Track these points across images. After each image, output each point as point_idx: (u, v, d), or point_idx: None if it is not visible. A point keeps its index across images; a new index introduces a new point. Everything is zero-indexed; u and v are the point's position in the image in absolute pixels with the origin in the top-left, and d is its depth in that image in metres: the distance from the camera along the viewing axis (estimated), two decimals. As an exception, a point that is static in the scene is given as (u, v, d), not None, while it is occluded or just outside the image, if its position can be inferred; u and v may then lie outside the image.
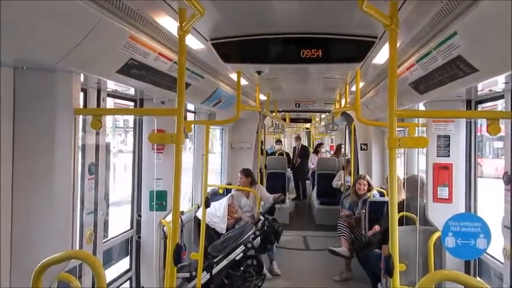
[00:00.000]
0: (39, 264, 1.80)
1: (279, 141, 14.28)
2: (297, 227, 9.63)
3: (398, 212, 3.45)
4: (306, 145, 16.90)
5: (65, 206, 2.69)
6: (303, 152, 13.23)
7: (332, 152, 14.75)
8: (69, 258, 2.10)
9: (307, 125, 17.41)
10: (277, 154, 13.00)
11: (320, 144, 13.78)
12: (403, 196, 5.38)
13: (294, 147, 14.24)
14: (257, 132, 8.63)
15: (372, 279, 5.24)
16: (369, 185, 6.57)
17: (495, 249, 3.22)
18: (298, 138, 14.74)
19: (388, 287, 4.25)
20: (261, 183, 9.11)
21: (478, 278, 3.77)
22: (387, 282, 4.45)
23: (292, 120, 14.50)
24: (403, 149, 6.23)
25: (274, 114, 8.08)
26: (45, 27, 2.11)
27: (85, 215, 3.23)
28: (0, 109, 2.50)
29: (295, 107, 8.24)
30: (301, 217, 11.10)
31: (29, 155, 2.61)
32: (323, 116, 11.74)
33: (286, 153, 13.42)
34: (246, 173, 6.68)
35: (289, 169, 13.54)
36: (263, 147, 13.39)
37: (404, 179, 5.77)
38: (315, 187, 10.90)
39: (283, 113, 11.33)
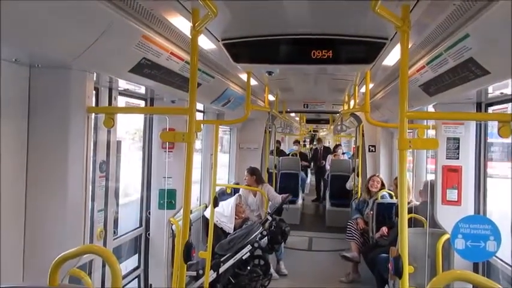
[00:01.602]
0: (56, 258, 1.83)
1: (297, 142, 14.28)
2: (307, 228, 9.66)
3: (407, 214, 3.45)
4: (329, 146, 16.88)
5: (78, 203, 2.73)
6: (325, 154, 13.24)
7: (351, 153, 14.75)
8: (85, 252, 2.13)
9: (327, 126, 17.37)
10: (290, 155, 13.03)
11: (338, 146, 13.77)
12: (411, 198, 5.38)
13: (316, 149, 14.26)
14: (265, 132, 8.65)
15: (378, 281, 5.23)
16: (382, 183, 6.57)
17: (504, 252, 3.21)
18: (319, 140, 14.73)
19: (396, 289, 4.25)
20: (271, 183, 9.17)
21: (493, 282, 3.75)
22: (395, 284, 4.44)
23: (309, 122, 14.54)
24: (411, 152, 6.23)
25: (282, 114, 8.09)
26: (60, 27, 2.14)
27: (96, 212, 3.26)
28: (15, 106, 2.55)
29: (304, 107, 8.24)
30: (313, 218, 11.11)
31: (43, 152, 2.65)
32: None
33: (301, 153, 13.40)
34: (251, 171, 6.72)
35: (308, 170, 13.60)
36: (279, 147, 13.47)
37: (413, 181, 5.76)
38: (328, 188, 10.91)
39: (296, 113, 11.34)
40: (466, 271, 1.98)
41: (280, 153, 12.88)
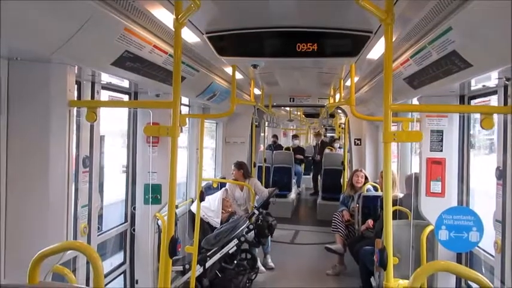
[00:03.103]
0: (36, 255, 1.80)
1: (295, 137, 14.24)
2: (298, 222, 9.75)
3: (392, 206, 3.47)
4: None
5: (60, 198, 2.68)
6: (322, 148, 13.25)
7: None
8: (66, 249, 2.10)
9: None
10: (283, 149, 13.03)
11: (335, 140, 13.75)
12: (397, 191, 5.43)
13: (316, 143, 14.29)
14: (252, 127, 8.64)
15: (363, 273, 5.27)
16: (366, 178, 6.63)
17: (487, 242, 3.26)
18: (317, 134, 14.72)
19: (381, 281, 4.30)
20: (261, 177, 9.31)
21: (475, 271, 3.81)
22: (380, 276, 4.49)
23: (307, 116, 14.60)
24: (396, 145, 6.29)
25: (268, 108, 8.10)
26: (40, 18, 2.09)
27: (79, 208, 3.22)
28: None
29: (290, 101, 8.25)
30: (305, 212, 11.15)
31: (23, 146, 2.60)
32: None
33: (296, 147, 13.37)
34: (239, 165, 6.72)
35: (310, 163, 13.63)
36: (276, 142, 13.50)
37: (398, 174, 5.82)
38: (321, 182, 10.99)
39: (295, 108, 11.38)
40: (448, 261, 2.00)
41: (277, 147, 12.91)
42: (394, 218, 4.17)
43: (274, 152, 11.80)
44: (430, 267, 2.04)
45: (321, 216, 9.77)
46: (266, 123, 11.25)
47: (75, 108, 2.84)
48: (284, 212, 9.70)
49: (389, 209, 2.33)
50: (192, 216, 5.77)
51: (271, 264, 6.60)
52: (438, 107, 3.81)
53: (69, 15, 2.21)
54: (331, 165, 10.74)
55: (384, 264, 2.31)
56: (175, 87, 2.56)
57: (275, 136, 14.51)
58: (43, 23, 2.14)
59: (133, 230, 4.51)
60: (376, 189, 6.52)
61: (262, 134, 10.20)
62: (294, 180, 11.70)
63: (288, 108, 12.23)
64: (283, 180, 10.66)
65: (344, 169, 9.07)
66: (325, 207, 9.76)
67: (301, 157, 13.21)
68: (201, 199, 4.44)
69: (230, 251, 5.14)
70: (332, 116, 12.61)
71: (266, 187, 7.72)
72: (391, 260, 2.31)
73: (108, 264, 4.28)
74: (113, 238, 4.30)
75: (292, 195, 10.85)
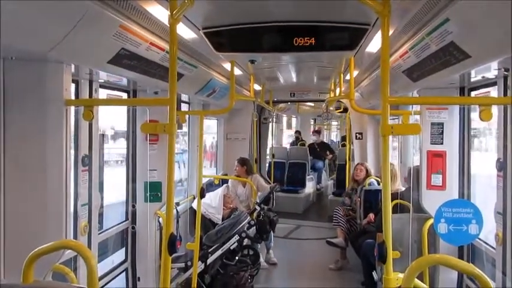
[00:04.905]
0: (29, 254, 1.80)
1: (316, 132, 14.09)
2: (307, 218, 9.74)
3: (393, 200, 3.46)
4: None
5: (58, 197, 2.68)
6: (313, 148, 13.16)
7: None
8: (60, 248, 2.10)
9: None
10: (298, 144, 12.94)
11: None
12: (398, 185, 5.40)
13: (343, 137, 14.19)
14: (263, 123, 8.64)
15: (364, 268, 5.27)
16: (367, 171, 6.60)
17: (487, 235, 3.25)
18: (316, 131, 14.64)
19: (383, 275, 4.30)
20: (269, 172, 9.35)
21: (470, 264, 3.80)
22: (382, 270, 4.47)
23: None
24: (398, 139, 6.26)
25: (269, 104, 8.07)
26: (34, 16, 2.08)
27: (79, 207, 3.22)
28: None
29: (290, 96, 8.23)
30: (319, 208, 11.10)
31: (20, 146, 2.60)
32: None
33: (319, 144, 13.15)
34: (242, 161, 6.71)
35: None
36: (300, 138, 13.37)
37: (399, 168, 5.79)
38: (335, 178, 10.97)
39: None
40: (442, 255, 2.00)
41: (301, 143, 12.86)
42: (395, 211, 4.18)
43: (289, 147, 11.72)
44: (424, 261, 2.04)
45: (330, 211, 9.73)
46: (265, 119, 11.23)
47: (72, 107, 2.83)
48: (295, 207, 9.75)
49: (388, 203, 2.32)
50: (193, 213, 5.76)
51: (274, 259, 6.60)
52: (436, 99, 3.78)
53: (63, 12, 2.20)
54: (343, 160, 10.66)
55: (383, 258, 2.30)
56: (172, 84, 2.55)
57: (298, 132, 14.32)
58: (37, 21, 2.13)
59: (133, 227, 4.51)
60: (379, 183, 6.50)
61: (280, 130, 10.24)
62: (310, 176, 11.49)
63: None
64: (297, 175, 10.63)
65: (347, 163, 9.04)
66: (335, 203, 9.72)
67: (331, 155, 12.69)
68: (202, 196, 4.42)
69: (231, 247, 5.13)
70: (345, 110, 12.43)
71: (275, 182, 7.74)
72: (391, 253, 2.30)
73: (110, 262, 4.29)
74: (114, 236, 4.31)
75: (307, 191, 10.72)
